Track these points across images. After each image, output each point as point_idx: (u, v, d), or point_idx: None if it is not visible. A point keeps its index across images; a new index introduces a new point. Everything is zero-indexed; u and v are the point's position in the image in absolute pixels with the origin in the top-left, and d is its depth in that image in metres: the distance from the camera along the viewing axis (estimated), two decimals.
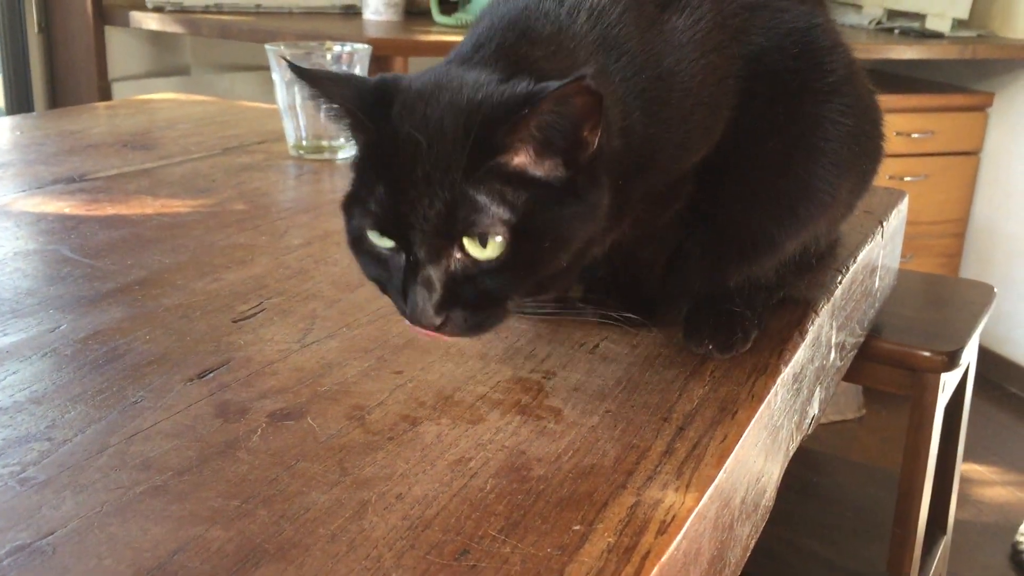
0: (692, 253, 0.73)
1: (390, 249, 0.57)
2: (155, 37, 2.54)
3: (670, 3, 0.66)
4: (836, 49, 0.72)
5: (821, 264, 0.81)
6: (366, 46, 1.25)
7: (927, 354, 1.12)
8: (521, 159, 0.55)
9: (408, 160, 0.54)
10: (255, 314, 0.74)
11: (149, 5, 2.39)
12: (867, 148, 0.75)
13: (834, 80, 0.71)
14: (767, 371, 0.67)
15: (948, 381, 1.18)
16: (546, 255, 0.56)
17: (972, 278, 2.87)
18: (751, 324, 0.71)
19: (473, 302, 0.56)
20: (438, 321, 0.55)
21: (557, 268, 0.57)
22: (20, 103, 2.46)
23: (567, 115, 0.53)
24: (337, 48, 1.24)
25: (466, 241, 0.54)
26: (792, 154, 0.70)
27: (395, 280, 0.57)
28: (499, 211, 0.54)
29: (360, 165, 0.59)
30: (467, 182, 0.54)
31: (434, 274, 0.55)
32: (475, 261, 0.55)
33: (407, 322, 0.57)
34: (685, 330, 0.71)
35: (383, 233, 0.56)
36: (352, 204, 0.58)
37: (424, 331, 0.57)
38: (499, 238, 0.54)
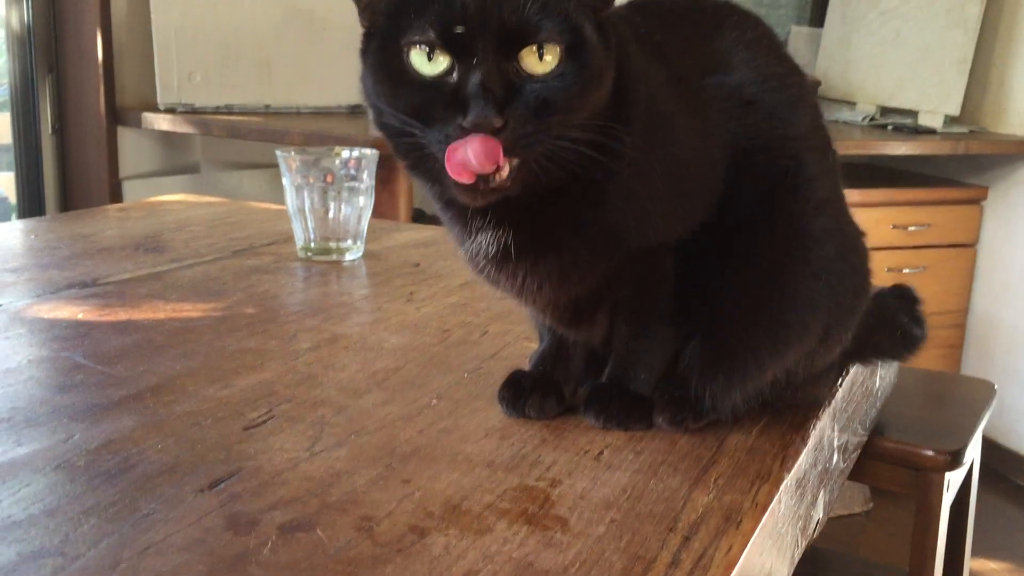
0: (683, 360, 0.75)
1: (438, 74, 0.60)
2: (165, 136, 2.61)
3: (654, 54, 0.70)
4: (824, 176, 0.74)
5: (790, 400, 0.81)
6: (373, 151, 1.29)
7: (930, 453, 1.13)
8: None
9: None
10: (265, 421, 0.75)
11: (161, 107, 2.46)
12: (850, 282, 0.76)
13: (814, 206, 0.73)
14: (770, 479, 0.68)
15: (952, 480, 1.18)
16: (586, 81, 0.61)
17: (974, 369, 2.89)
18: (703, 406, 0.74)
19: (527, 111, 0.60)
20: (499, 122, 0.59)
21: (588, 105, 0.62)
22: (32, 202, 2.51)
23: None
24: (345, 153, 1.28)
25: (525, 53, 0.60)
26: (774, 270, 0.72)
27: (439, 108, 0.60)
28: (555, 27, 0.60)
29: (394, 7, 0.62)
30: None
31: (496, 80, 0.59)
32: (530, 76, 0.60)
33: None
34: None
35: (445, 44, 0.60)
36: (393, 35, 0.62)
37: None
38: (556, 51, 0.60)
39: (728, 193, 0.71)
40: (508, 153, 0.60)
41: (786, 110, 0.73)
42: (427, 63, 0.61)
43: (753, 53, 0.73)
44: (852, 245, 0.77)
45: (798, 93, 0.74)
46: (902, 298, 0.92)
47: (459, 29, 0.59)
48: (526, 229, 0.68)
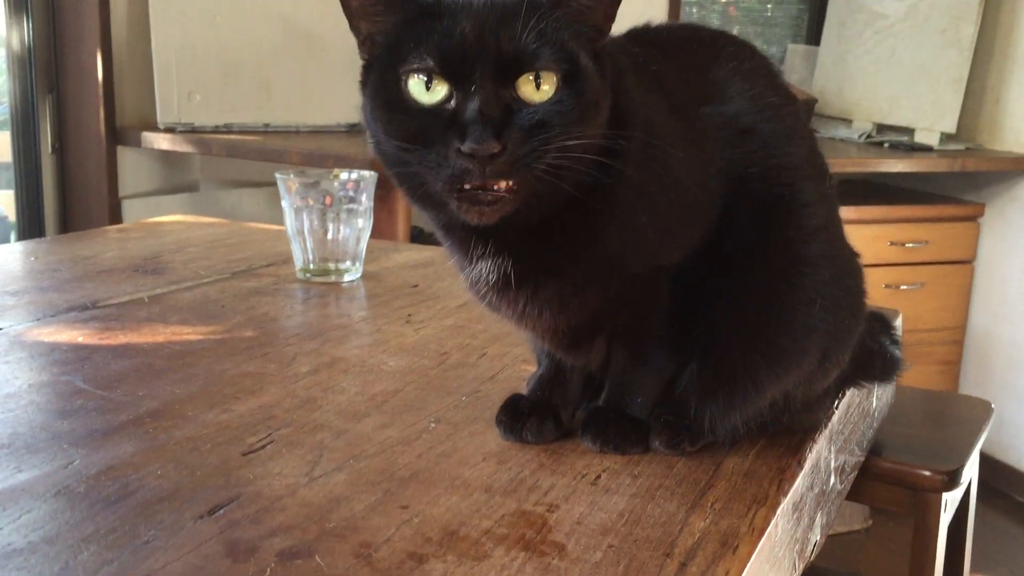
0: (680, 383, 0.76)
1: (436, 103, 0.61)
2: (165, 155, 2.62)
3: (652, 83, 0.71)
4: (820, 202, 0.75)
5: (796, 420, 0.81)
6: (372, 173, 1.30)
7: (927, 473, 1.13)
8: (568, 21, 0.63)
9: (467, 17, 0.61)
10: (264, 446, 0.75)
11: (161, 126, 2.47)
12: (846, 304, 0.76)
13: (810, 232, 0.74)
14: (767, 503, 0.69)
15: (950, 500, 1.18)
16: (583, 109, 0.63)
17: (972, 385, 2.89)
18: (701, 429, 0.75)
19: (522, 133, 0.61)
20: (497, 147, 0.60)
21: (584, 135, 0.63)
22: (32, 221, 2.52)
23: None
24: (344, 175, 1.28)
25: (522, 81, 0.61)
26: (771, 295, 0.73)
27: (437, 133, 0.61)
28: (552, 55, 0.62)
29: (394, 38, 0.64)
30: (525, 29, 0.61)
31: (494, 107, 0.60)
32: (527, 103, 0.61)
33: (454, 177, 0.61)
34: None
35: (443, 72, 0.61)
36: (392, 64, 0.63)
37: (476, 182, 0.61)
38: (552, 79, 0.62)
39: (725, 220, 0.72)
40: (507, 176, 0.61)
41: (782, 140, 0.73)
42: (425, 91, 0.62)
43: (750, 83, 0.74)
44: (847, 268, 0.78)
45: (793, 124, 0.75)
46: (880, 322, 0.93)
47: (452, 65, 0.60)
48: (526, 257, 0.68)
